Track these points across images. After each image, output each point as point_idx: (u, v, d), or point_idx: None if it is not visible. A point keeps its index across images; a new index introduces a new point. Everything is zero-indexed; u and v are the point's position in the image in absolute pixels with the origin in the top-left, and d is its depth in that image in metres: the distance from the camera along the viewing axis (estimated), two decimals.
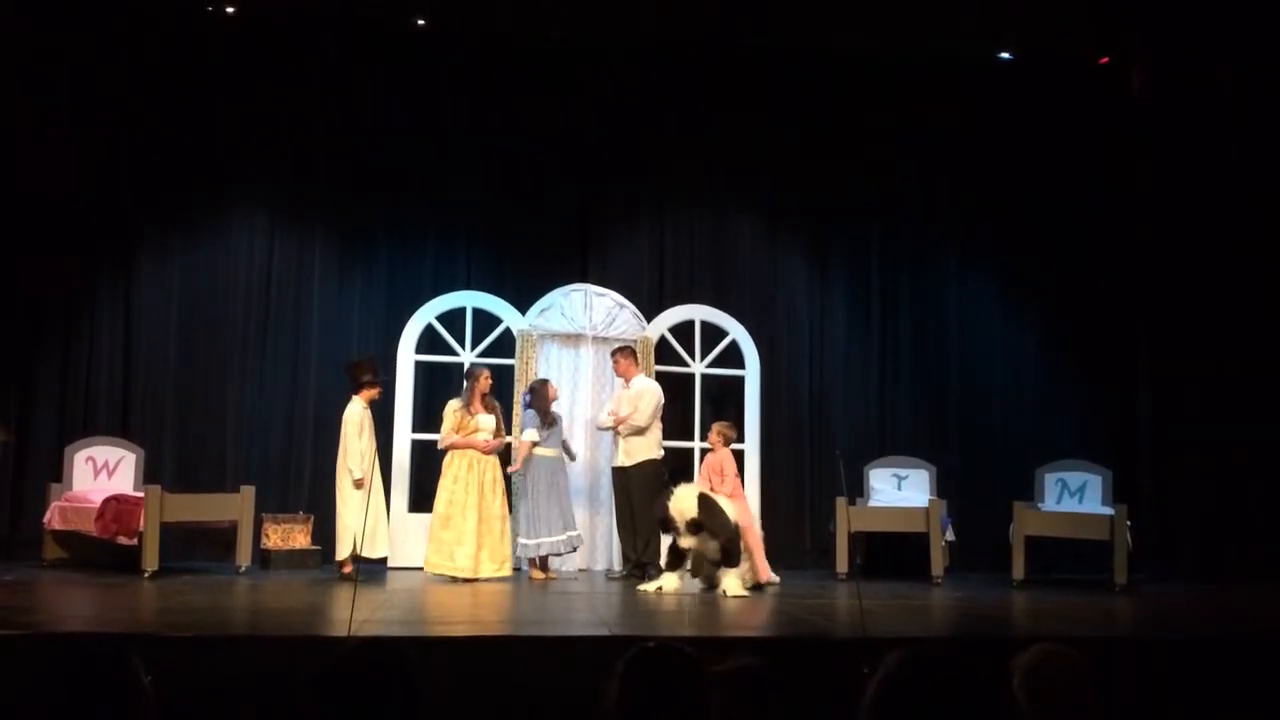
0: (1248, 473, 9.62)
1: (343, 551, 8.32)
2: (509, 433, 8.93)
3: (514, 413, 9.29)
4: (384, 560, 8.55)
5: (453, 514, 8.38)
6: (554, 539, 8.62)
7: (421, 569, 8.55)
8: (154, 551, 8.10)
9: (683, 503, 7.86)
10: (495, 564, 8.44)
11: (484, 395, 8.64)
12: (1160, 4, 9.09)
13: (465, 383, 8.72)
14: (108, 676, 1.96)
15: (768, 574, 8.37)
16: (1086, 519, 9.09)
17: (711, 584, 8.11)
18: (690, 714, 2.42)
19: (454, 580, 8.28)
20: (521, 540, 8.63)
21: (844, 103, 10.36)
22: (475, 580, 8.27)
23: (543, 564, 8.70)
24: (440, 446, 8.56)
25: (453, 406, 8.57)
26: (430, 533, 8.46)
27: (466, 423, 8.52)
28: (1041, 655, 2.80)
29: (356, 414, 8.43)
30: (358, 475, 8.28)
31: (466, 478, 8.44)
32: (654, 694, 2.41)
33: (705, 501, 7.89)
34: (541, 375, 9.21)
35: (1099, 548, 8.88)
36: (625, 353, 9.15)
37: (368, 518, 8.10)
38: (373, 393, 8.56)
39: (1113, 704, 2.74)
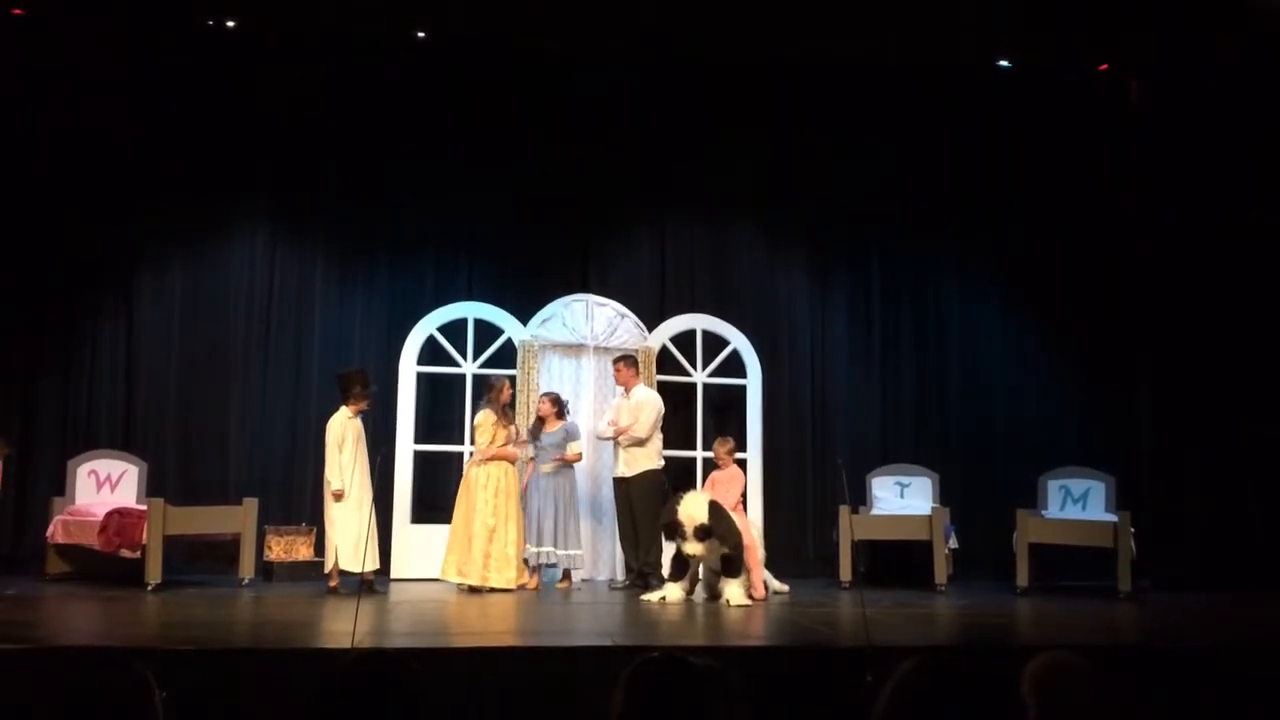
0: (1251, 479, 9.60)
1: (327, 564, 8.31)
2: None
3: (517, 422, 9.31)
4: (371, 574, 8.26)
5: (497, 525, 8.41)
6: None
7: (428, 580, 8.55)
8: (157, 564, 8.10)
9: (692, 508, 7.86)
10: (518, 574, 8.52)
11: (506, 406, 8.69)
12: (1158, 13, 9.11)
13: (488, 393, 8.71)
14: (118, 691, 1.96)
15: (761, 591, 8.28)
16: (1090, 526, 9.08)
17: (714, 594, 8.11)
18: None
19: (491, 591, 8.29)
20: None
21: (843, 111, 10.38)
22: (512, 590, 8.35)
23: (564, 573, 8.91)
24: (483, 458, 8.50)
25: (490, 418, 8.55)
26: (475, 547, 8.32)
27: (500, 434, 8.56)
28: (1050, 663, 2.80)
29: (338, 426, 8.33)
30: (335, 486, 8.23)
31: (507, 488, 8.51)
32: (658, 705, 2.41)
33: (715, 508, 7.89)
34: (545, 387, 9.25)
35: (1102, 555, 8.85)
36: (627, 361, 9.17)
37: (354, 531, 8.08)
38: (361, 404, 8.47)
39: (1118, 712, 2.74)
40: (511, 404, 8.87)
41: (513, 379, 9.44)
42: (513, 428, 8.69)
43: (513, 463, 8.63)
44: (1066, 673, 2.75)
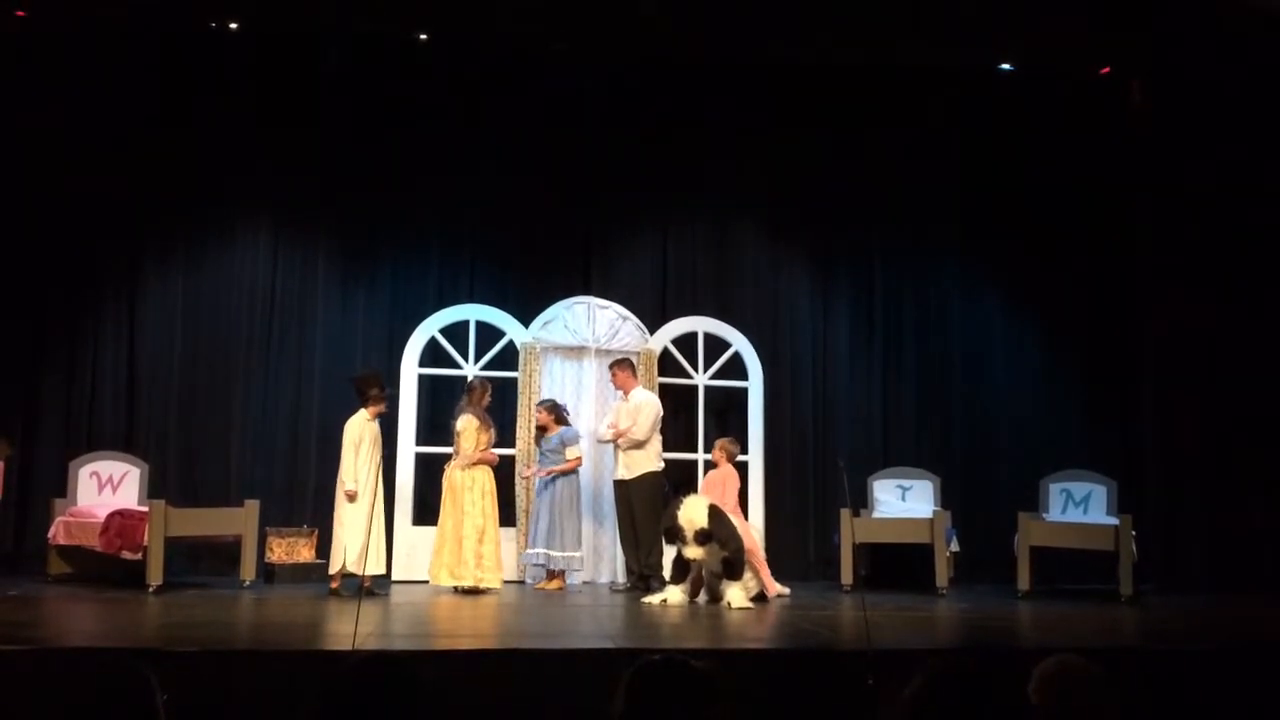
0: (1252, 483, 9.60)
1: (334, 566, 8.30)
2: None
3: (519, 424, 9.35)
4: (375, 578, 8.30)
5: (485, 525, 8.47)
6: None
7: (427, 582, 8.57)
8: (158, 566, 8.09)
9: (692, 512, 7.86)
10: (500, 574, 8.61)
11: (486, 409, 8.73)
12: (1160, 18, 9.11)
13: (468, 396, 8.73)
14: (120, 692, 1.96)
15: (774, 588, 8.37)
16: (1091, 529, 9.07)
17: (715, 596, 8.11)
18: None
19: (483, 592, 8.36)
20: None
21: (846, 113, 10.37)
22: (497, 590, 8.45)
23: (549, 574, 8.90)
24: (469, 462, 8.51)
25: (474, 423, 8.57)
26: (465, 548, 8.37)
27: (483, 438, 8.60)
28: (1060, 666, 2.80)
29: (357, 427, 8.37)
30: (349, 486, 8.24)
31: (490, 490, 8.57)
32: (659, 707, 2.41)
33: (715, 512, 7.89)
34: (546, 391, 9.30)
35: (1104, 558, 8.85)
36: (623, 365, 9.16)
37: (363, 534, 8.06)
38: (380, 406, 8.50)
39: (1122, 715, 2.74)
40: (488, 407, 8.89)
41: (514, 381, 9.47)
42: (493, 430, 8.72)
43: (492, 465, 8.67)
44: (1075, 676, 2.76)
